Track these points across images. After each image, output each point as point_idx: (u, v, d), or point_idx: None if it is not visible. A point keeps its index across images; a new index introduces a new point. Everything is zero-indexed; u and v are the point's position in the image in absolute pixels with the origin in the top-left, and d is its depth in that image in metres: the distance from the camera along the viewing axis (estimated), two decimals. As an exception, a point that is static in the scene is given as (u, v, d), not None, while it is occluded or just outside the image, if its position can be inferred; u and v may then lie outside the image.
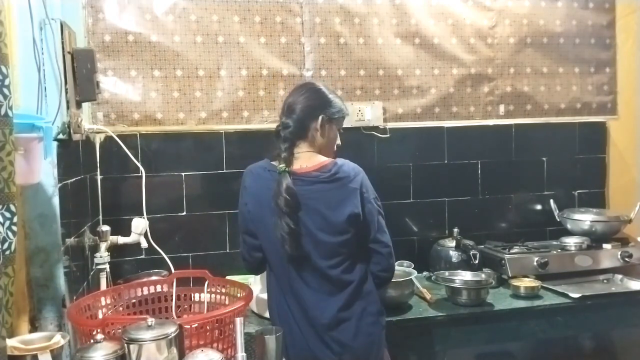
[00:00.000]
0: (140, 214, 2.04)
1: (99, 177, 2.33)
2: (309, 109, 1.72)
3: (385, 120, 2.61)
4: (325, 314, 1.63)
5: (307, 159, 1.70)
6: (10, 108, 1.11)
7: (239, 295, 1.67)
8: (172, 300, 1.75)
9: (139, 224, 2.08)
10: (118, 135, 2.09)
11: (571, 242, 2.53)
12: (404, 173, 2.65)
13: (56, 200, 1.54)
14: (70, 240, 1.68)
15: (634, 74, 2.85)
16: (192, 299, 1.81)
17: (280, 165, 1.66)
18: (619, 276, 2.44)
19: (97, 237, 2.03)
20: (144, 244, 2.08)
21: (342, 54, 2.58)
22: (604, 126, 2.93)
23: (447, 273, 2.30)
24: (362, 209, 1.67)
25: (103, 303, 1.64)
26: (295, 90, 1.79)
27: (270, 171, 1.69)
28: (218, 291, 1.76)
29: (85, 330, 1.38)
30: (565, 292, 2.22)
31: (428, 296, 2.21)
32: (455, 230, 2.50)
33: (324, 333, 1.62)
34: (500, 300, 2.21)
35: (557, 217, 2.72)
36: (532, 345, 2.23)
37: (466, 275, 2.28)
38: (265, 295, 2.01)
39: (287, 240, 1.61)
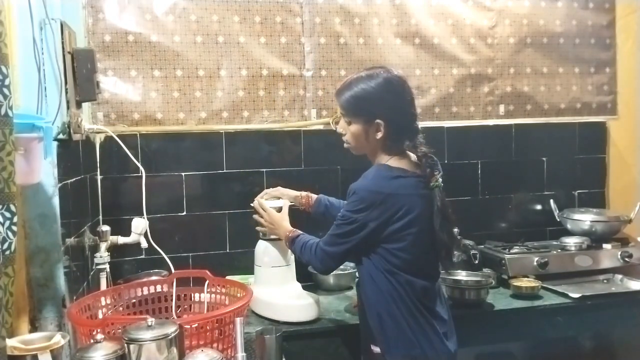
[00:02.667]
0: (140, 214, 2.04)
1: (99, 177, 2.33)
2: None
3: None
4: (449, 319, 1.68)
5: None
6: (10, 108, 1.11)
7: (239, 295, 1.67)
8: (172, 300, 1.75)
9: (139, 224, 2.07)
10: (118, 135, 2.09)
11: (571, 242, 2.54)
12: (404, 173, 2.65)
13: (56, 200, 1.54)
14: (70, 240, 1.68)
15: (634, 74, 2.85)
16: (192, 299, 1.81)
17: (439, 182, 1.58)
18: (619, 276, 2.44)
19: (97, 237, 2.03)
20: (144, 244, 2.08)
21: (342, 54, 2.58)
22: (604, 126, 2.93)
23: (447, 273, 2.30)
24: None
25: (103, 303, 1.64)
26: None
27: (406, 177, 1.58)
28: (218, 291, 1.76)
29: (86, 330, 1.38)
30: (565, 292, 2.22)
31: (428, 296, 2.21)
32: (456, 230, 2.50)
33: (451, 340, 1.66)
34: (500, 300, 2.21)
35: (557, 217, 2.72)
36: (532, 345, 2.24)
37: (466, 275, 2.28)
38: (266, 296, 2.02)
39: (445, 253, 1.61)
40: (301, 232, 1.83)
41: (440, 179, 1.59)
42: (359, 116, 1.62)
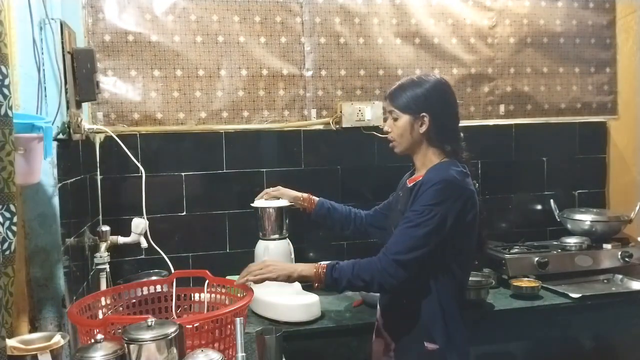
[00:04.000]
0: (140, 214, 2.04)
1: (99, 177, 2.33)
2: None
3: (385, 120, 2.60)
4: None
5: None
6: (10, 108, 1.11)
7: (239, 295, 1.67)
8: (172, 300, 1.75)
9: (139, 224, 2.07)
10: (118, 135, 2.09)
11: (571, 242, 2.54)
12: (404, 173, 2.64)
13: (56, 200, 1.54)
14: (70, 240, 1.68)
15: (634, 74, 2.85)
16: (192, 299, 1.80)
17: (475, 184, 1.66)
18: (619, 276, 2.44)
19: (97, 237, 2.03)
20: (144, 244, 2.08)
21: (342, 54, 2.58)
22: (604, 126, 2.93)
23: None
24: None
25: (103, 303, 1.64)
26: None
27: (469, 176, 1.65)
28: (218, 291, 1.76)
29: (86, 330, 1.38)
30: (566, 292, 2.22)
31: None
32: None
33: None
34: (500, 300, 2.21)
35: (557, 217, 2.72)
36: (532, 345, 2.23)
37: (466, 275, 2.28)
38: (266, 296, 2.02)
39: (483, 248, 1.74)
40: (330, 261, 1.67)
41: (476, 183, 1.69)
42: (406, 110, 1.66)
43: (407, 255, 1.52)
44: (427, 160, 1.68)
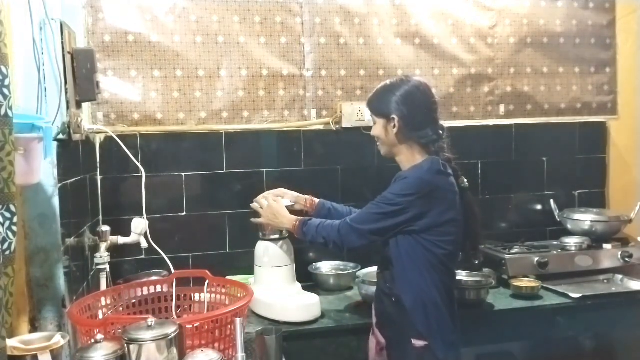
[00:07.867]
0: (140, 214, 2.04)
1: (99, 177, 2.33)
2: None
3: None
4: None
5: None
6: (10, 108, 1.11)
7: (239, 295, 1.67)
8: (172, 300, 1.75)
9: (139, 224, 2.07)
10: (118, 136, 2.08)
11: (571, 242, 2.54)
12: (404, 173, 2.65)
13: (56, 200, 1.54)
14: (70, 240, 1.68)
15: (634, 74, 2.85)
16: (192, 299, 1.81)
17: (465, 183, 1.77)
18: (619, 276, 2.44)
19: (97, 237, 2.03)
20: (144, 244, 2.08)
21: (342, 54, 2.58)
22: (604, 126, 2.93)
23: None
24: None
25: (103, 303, 1.64)
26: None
27: (450, 176, 1.72)
28: (218, 291, 1.76)
29: (87, 331, 1.38)
30: (566, 292, 2.22)
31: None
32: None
33: None
34: (500, 300, 2.21)
35: (557, 217, 2.72)
36: (532, 345, 2.24)
37: (466, 275, 2.28)
38: (266, 297, 2.02)
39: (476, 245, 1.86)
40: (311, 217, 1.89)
41: (466, 180, 1.78)
42: (379, 114, 1.77)
43: (361, 225, 1.70)
44: (412, 158, 1.74)
